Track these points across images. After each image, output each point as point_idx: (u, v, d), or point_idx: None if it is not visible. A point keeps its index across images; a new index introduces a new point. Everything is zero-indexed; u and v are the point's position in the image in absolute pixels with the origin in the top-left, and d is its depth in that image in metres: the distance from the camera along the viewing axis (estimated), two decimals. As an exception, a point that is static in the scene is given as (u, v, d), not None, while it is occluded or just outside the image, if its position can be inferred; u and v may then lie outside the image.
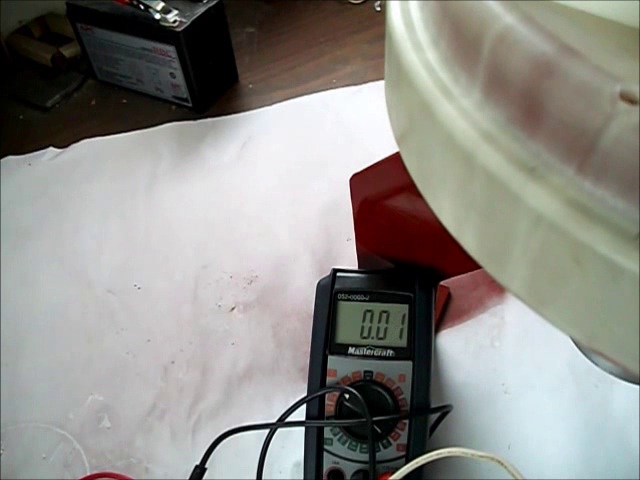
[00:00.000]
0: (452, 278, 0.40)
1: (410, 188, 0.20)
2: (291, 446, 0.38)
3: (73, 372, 0.44)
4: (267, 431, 0.35)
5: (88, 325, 0.46)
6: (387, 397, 0.34)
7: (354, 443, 0.34)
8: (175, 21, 0.57)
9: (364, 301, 0.36)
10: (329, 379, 0.35)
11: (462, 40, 0.15)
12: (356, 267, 0.42)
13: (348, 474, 0.34)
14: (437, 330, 0.44)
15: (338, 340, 0.36)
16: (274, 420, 0.35)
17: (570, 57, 0.12)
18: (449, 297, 0.45)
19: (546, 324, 0.15)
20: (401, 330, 0.35)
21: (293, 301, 0.46)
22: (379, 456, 0.33)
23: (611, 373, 0.31)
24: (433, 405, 0.35)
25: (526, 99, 0.13)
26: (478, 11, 0.14)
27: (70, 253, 0.51)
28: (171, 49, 0.58)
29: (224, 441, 0.35)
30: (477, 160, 0.14)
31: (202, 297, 0.47)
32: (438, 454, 0.30)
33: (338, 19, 0.73)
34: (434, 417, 0.36)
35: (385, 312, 0.36)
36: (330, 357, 0.35)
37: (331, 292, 0.37)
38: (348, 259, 0.46)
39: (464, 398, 0.40)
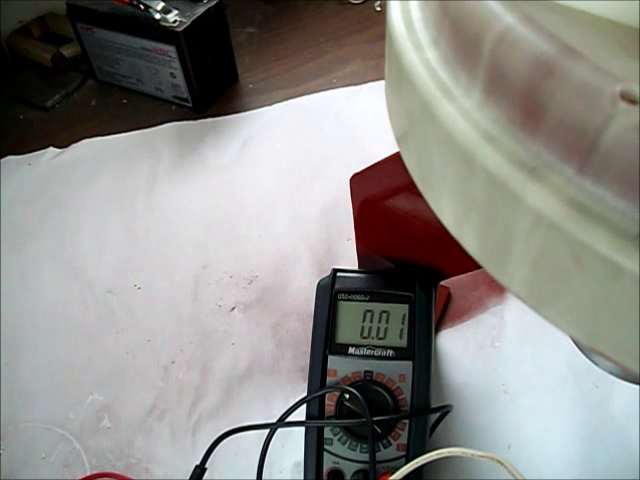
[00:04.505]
0: (452, 278, 0.40)
1: (410, 188, 0.20)
2: (291, 446, 0.38)
3: (73, 372, 0.44)
4: (267, 431, 0.35)
5: (88, 325, 0.46)
6: (387, 397, 0.34)
7: (354, 443, 0.34)
8: (175, 21, 0.57)
9: (364, 301, 0.36)
10: (329, 379, 0.35)
11: (462, 40, 0.15)
12: (356, 267, 0.42)
13: (348, 474, 0.34)
14: (437, 330, 0.44)
15: (338, 340, 0.36)
16: (274, 420, 0.35)
17: (570, 57, 0.12)
18: (449, 297, 0.45)
19: (546, 324, 0.15)
20: (401, 330, 0.35)
21: (293, 301, 0.46)
22: (379, 456, 0.33)
23: (611, 373, 0.31)
24: (433, 405, 0.35)
25: (526, 99, 0.13)
26: (478, 11, 0.14)
27: (70, 253, 0.51)
28: (171, 49, 0.58)
29: (224, 441, 0.35)
30: (477, 160, 0.14)
31: (202, 297, 0.47)
32: (438, 454, 0.30)
33: (338, 19, 0.73)
34: (434, 417, 0.36)
35: (385, 312, 0.36)
36: (330, 357, 0.35)
37: (331, 292, 0.37)
38: (348, 259, 0.46)
39: (464, 398, 0.40)
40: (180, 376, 0.43)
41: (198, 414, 0.41)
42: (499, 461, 0.29)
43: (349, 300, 0.37)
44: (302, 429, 0.35)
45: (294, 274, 0.48)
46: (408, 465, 0.31)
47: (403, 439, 0.33)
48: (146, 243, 0.51)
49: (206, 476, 0.35)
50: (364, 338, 0.36)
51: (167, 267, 0.49)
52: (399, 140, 0.19)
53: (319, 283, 0.38)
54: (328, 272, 0.38)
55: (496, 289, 0.45)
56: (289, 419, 0.35)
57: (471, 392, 0.41)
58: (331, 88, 0.64)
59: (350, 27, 0.72)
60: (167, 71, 0.61)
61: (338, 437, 0.34)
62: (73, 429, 0.41)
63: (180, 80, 0.61)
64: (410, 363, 0.34)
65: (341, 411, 0.34)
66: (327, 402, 0.35)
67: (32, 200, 0.55)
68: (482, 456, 0.30)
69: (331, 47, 0.70)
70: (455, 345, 0.43)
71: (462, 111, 0.15)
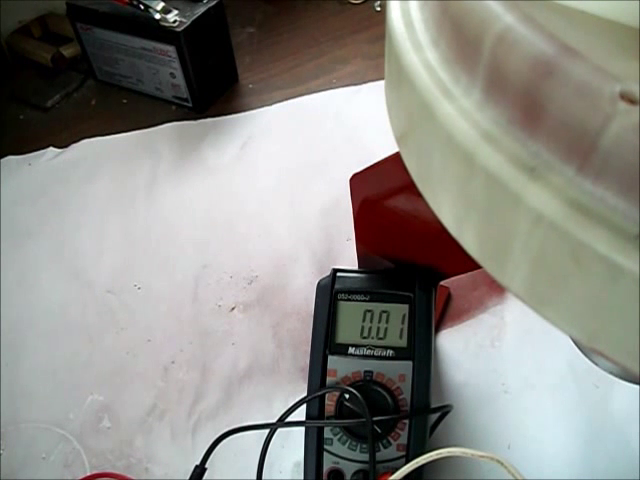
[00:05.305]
0: (452, 278, 0.40)
1: (410, 188, 0.20)
2: (291, 446, 0.38)
3: (73, 372, 0.44)
4: (267, 431, 0.35)
5: (88, 325, 0.46)
6: (387, 397, 0.34)
7: (354, 443, 0.34)
8: (175, 21, 0.57)
9: (364, 301, 0.36)
10: (329, 379, 0.35)
11: (462, 40, 0.15)
12: (356, 267, 0.42)
13: (348, 474, 0.34)
14: (437, 330, 0.44)
15: (338, 340, 0.36)
16: (274, 420, 0.35)
17: (570, 57, 0.12)
18: (449, 297, 0.45)
19: (546, 324, 0.15)
20: (401, 330, 0.35)
21: (293, 301, 0.46)
22: (379, 456, 0.33)
23: (611, 373, 0.31)
24: (433, 405, 0.35)
25: (526, 99, 0.13)
26: (478, 11, 0.14)
27: (70, 253, 0.51)
28: (171, 49, 0.58)
29: (224, 441, 0.35)
30: (477, 160, 0.14)
31: (202, 297, 0.47)
32: (438, 454, 0.30)
33: (338, 19, 0.73)
34: (434, 417, 0.36)
35: (385, 312, 0.36)
36: (330, 357, 0.35)
37: (331, 292, 0.37)
38: (348, 259, 0.46)
39: (464, 398, 0.40)
40: (180, 376, 0.43)
41: (198, 414, 0.41)
42: (499, 461, 0.29)
43: (349, 300, 0.37)
44: (302, 429, 0.35)
45: (294, 274, 0.48)
46: (408, 465, 0.31)
47: (403, 439, 0.33)
48: (146, 243, 0.51)
49: (206, 476, 0.35)
50: (364, 338, 0.36)
51: (167, 267, 0.49)
52: (399, 140, 0.19)
53: (319, 283, 0.38)
54: (328, 272, 0.38)
55: (496, 289, 0.45)
56: (289, 419, 0.35)
57: (471, 392, 0.41)
58: (331, 88, 0.64)
59: (350, 27, 0.72)
60: (167, 71, 0.61)
61: (338, 437, 0.34)
62: (73, 429, 0.41)
63: (180, 80, 0.61)
64: (410, 363, 0.34)
65: (341, 411, 0.34)
66: (327, 402, 0.35)
67: (32, 200, 0.55)
68: (482, 456, 0.30)
69: (331, 47, 0.70)
70: (455, 345, 0.43)
71: (462, 111, 0.15)
